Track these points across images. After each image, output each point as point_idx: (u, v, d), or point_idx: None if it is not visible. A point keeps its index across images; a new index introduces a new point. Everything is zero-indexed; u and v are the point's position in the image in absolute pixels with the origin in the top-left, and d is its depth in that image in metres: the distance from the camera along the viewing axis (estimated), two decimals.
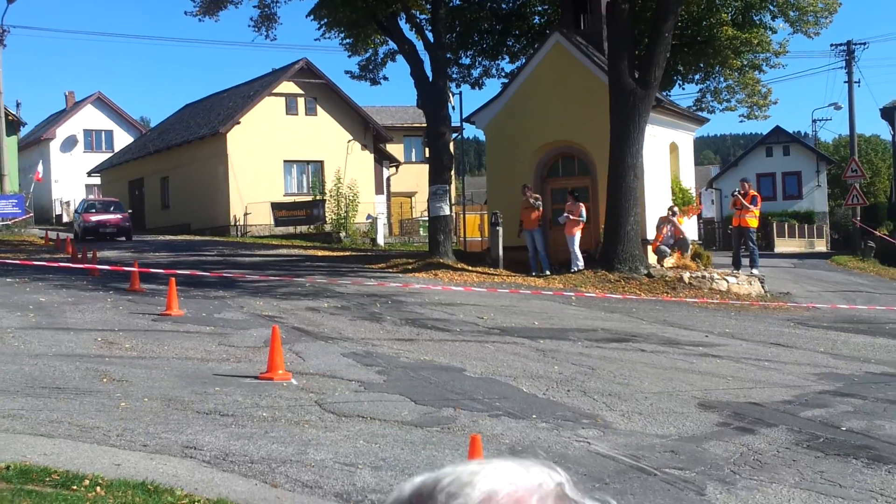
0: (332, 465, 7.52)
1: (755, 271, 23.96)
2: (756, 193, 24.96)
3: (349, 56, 30.45)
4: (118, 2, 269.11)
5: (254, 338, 13.33)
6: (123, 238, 37.23)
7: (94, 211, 39.34)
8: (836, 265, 36.38)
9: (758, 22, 31.34)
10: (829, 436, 8.95)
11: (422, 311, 16.72)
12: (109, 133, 64.28)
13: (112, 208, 39.84)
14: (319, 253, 31.36)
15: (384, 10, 26.34)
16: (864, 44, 47.38)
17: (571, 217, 23.49)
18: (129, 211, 41.20)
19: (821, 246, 60.52)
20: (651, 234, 24.58)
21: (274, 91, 45.37)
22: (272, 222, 42.82)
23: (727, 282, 22.33)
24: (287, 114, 45.75)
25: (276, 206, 42.72)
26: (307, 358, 12.02)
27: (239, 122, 44.02)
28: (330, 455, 7.76)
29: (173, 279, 15.60)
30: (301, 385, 10.44)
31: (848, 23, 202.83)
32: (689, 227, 28.02)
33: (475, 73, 34.17)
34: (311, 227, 41.69)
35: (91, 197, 49.69)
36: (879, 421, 9.63)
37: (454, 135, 35.24)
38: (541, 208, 24.10)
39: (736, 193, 24.77)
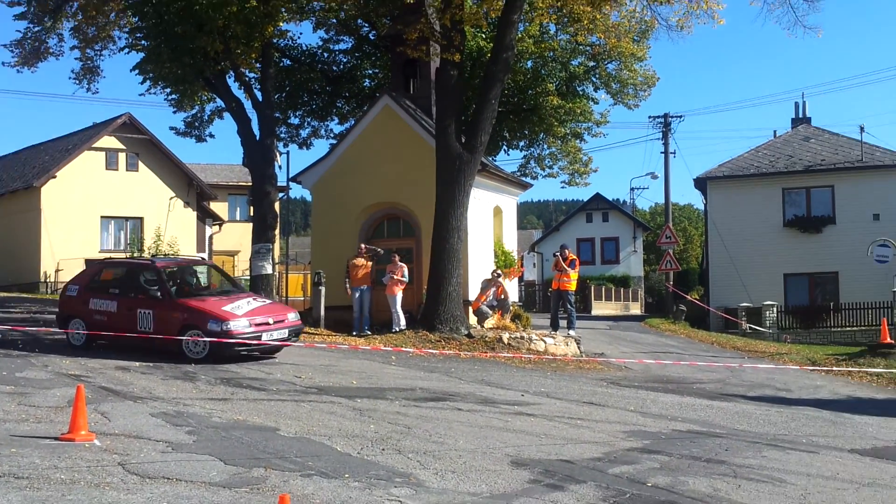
0: None
1: (572, 332, 24.53)
2: (575, 258, 25.63)
3: (175, 112, 30.03)
4: None
5: (57, 397, 12.81)
6: None
7: None
8: (650, 327, 37.68)
9: (581, 92, 32.49)
10: (636, 491, 9.17)
11: (238, 371, 16.40)
12: None
13: None
14: None
15: (212, 67, 26.05)
16: (681, 117, 49.82)
17: (395, 277, 23.58)
18: None
19: (636, 309, 62.62)
20: (473, 295, 24.89)
21: (94, 145, 44.09)
22: None
23: (545, 342, 22.77)
24: (107, 169, 44.50)
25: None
26: (113, 418, 11.60)
27: (55, 176, 42.51)
28: None
29: None
30: (104, 446, 10.05)
31: (666, 96, 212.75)
32: (511, 289, 28.53)
33: (304, 133, 34.21)
34: None
35: None
36: (683, 477, 9.94)
37: (280, 194, 34.98)
38: (377, 257, 24.08)
39: (556, 255, 25.36)
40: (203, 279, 21.13)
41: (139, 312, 18.05)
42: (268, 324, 18.09)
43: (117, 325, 18.13)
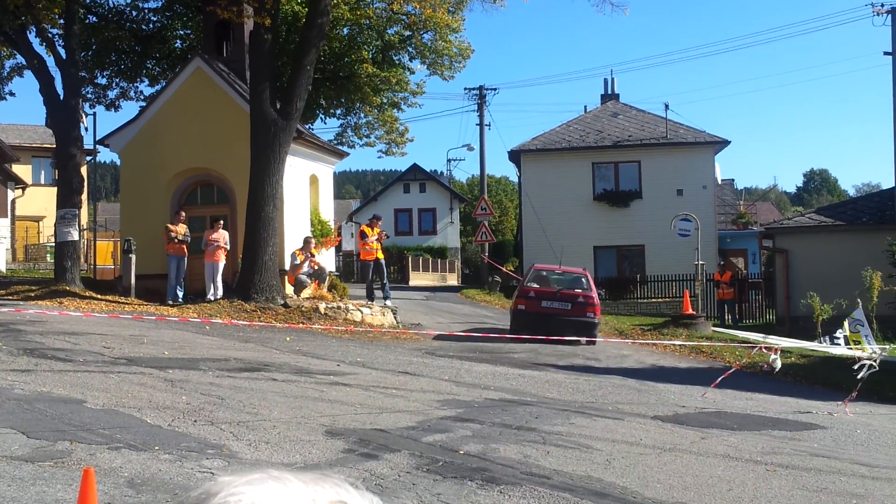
0: None
1: (388, 303, 24.64)
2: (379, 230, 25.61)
3: None
4: None
5: None
6: None
7: None
8: (465, 298, 38.25)
9: (397, 62, 32.55)
10: (448, 459, 9.26)
11: (42, 341, 15.71)
12: None
13: None
14: None
15: (11, 21, 24.70)
16: (495, 89, 50.42)
17: (219, 244, 23.18)
18: None
19: (452, 280, 63.35)
20: (290, 260, 24.64)
21: None
22: None
23: (361, 312, 22.79)
24: None
25: None
26: None
27: None
28: None
29: None
30: None
31: (481, 69, 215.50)
32: (328, 259, 28.39)
33: (112, 94, 32.98)
34: None
35: None
36: (494, 444, 10.11)
37: (87, 157, 33.69)
38: (188, 238, 23.58)
39: (369, 224, 25.43)
40: None
41: None
42: None
43: None
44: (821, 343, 20.11)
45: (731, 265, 44.55)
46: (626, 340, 23.84)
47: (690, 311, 26.99)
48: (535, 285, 23.90)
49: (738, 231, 50.83)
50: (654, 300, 40.41)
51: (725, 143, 44.11)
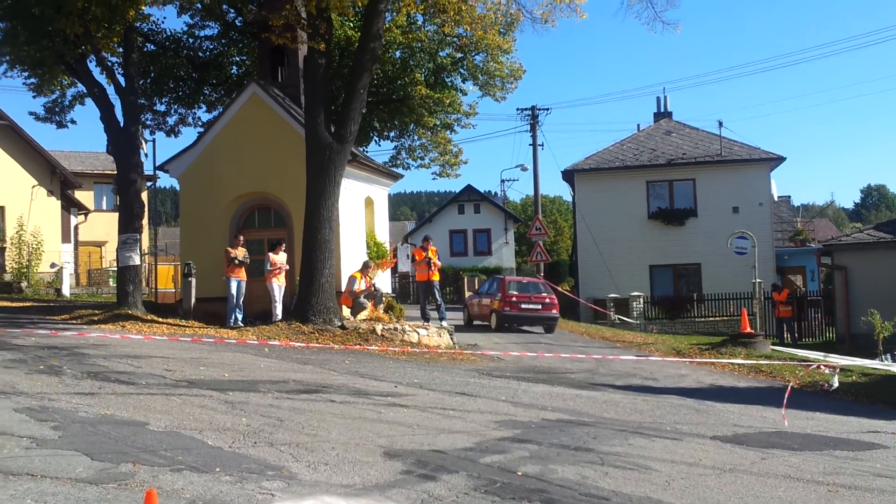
0: None
1: (444, 324, 24.71)
2: (434, 249, 25.95)
3: (34, 97, 29.05)
4: None
5: None
6: None
7: None
8: None
9: (449, 84, 32.75)
10: (506, 480, 9.28)
11: (105, 364, 15.98)
12: None
13: None
14: None
15: (72, 51, 25.26)
16: (548, 109, 50.46)
17: (283, 266, 23.55)
18: None
19: None
20: (347, 283, 24.81)
21: None
22: None
23: (418, 334, 22.86)
24: None
25: None
26: None
27: None
28: None
29: None
30: None
31: (533, 89, 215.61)
32: (384, 281, 28.56)
33: (171, 120, 33.59)
34: None
35: None
36: (552, 465, 10.11)
37: (148, 183, 34.26)
38: (247, 261, 23.85)
39: (419, 245, 25.72)
40: None
41: None
42: None
43: None
44: (882, 360, 19.86)
45: (789, 283, 44.02)
46: (684, 360, 23.67)
47: (749, 329, 26.71)
48: (515, 293, 30.75)
49: (796, 248, 50.26)
50: (711, 319, 40.08)
51: (781, 159, 43.74)
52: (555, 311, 31.09)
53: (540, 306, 30.69)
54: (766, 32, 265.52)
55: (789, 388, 16.91)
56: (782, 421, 14.61)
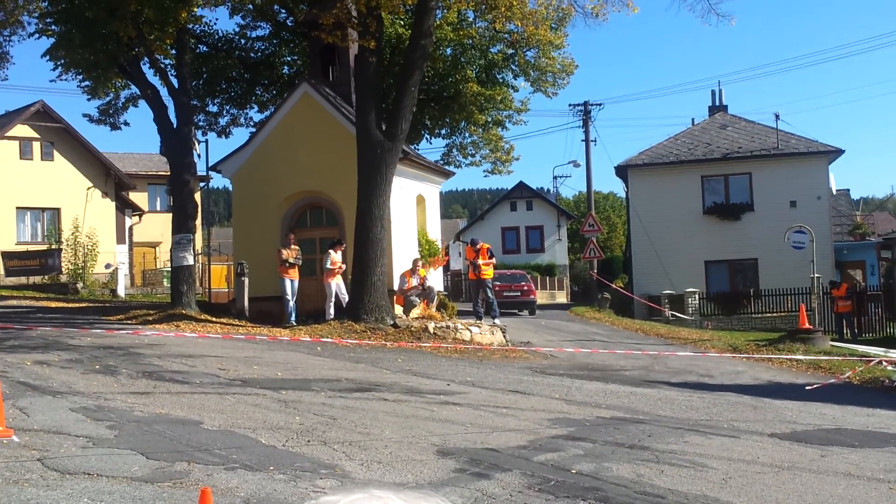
0: None
1: (497, 321, 24.61)
2: (488, 246, 25.90)
3: (89, 99, 29.38)
4: None
5: None
6: None
7: None
8: (575, 315, 37.96)
9: (501, 80, 32.59)
10: (560, 479, 9.17)
11: (160, 364, 16.10)
12: None
13: None
14: (53, 304, 29.84)
15: (126, 53, 25.52)
16: (600, 104, 50.28)
17: (340, 265, 23.61)
18: None
19: (561, 297, 63.04)
20: (398, 284, 24.82)
21: (7, 134, 43.01)
22: (2, 272, 40.42)
23: (471, 332, 22.78)
24: (21, 158, 43.48)
25: (6, 256, 40.40)
26: (32, 414, 11.27)
27: None
28: None
29: None
30: (23, 442, 9.76)
31: (585, 84, 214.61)
32: (436, 279, 28.52)
33: (223, 121, 33.80)
34: (46, 277, 39.58)
35: None
36: (607, 463, 9.98)
37: (201, 184, 34.53)
38: (299, 262, 23.90)
39: (469, 244, 25.76)
40: None
41: None
42: None
43: None
44: None
45: (849, 277, 43.34)
46: (741, 356, 23.35)
47: (807, 325, 26.28)
48: (498, 283, 33.67)
49: (856, 242, 49.46)
50: (768, 315, 39.54)
51: (839, 152, 43.07)
52: (533, 297, 39.94)
53: (520, 293, 38.83)
54: (823, 23, 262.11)
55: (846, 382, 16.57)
56: (842, 418, 14.33)
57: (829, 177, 44.01)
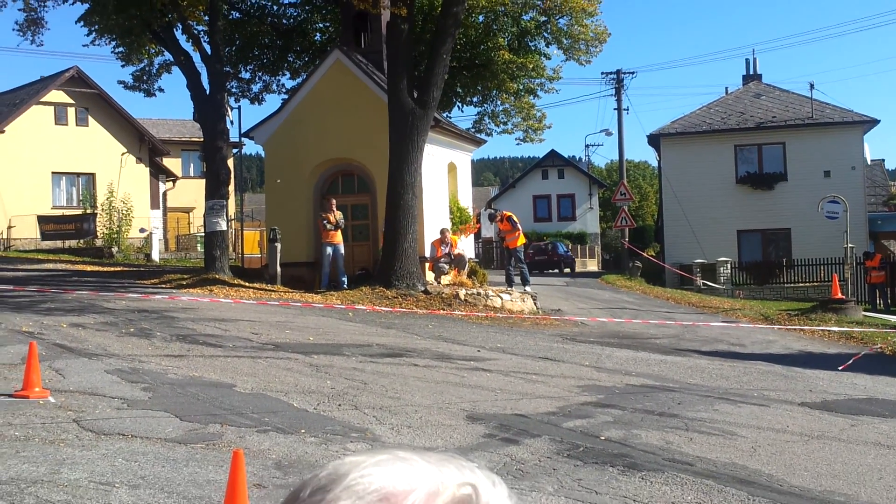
0: (86, 484, 7.17)
1: (528, 289, 24.64)
2: (510, 214, 25.97)
3: (123, 65, 29.46)
4: None
5: (10, 355, 12.63)
6: None
7: None
8: (606, 284, 37.90)
9: (533, 48, 32.37)
10: (589, 445, 9.24)
11: (194, 327, 16.29)
12: None
13: None
14: (89, 268, 30.17)
15: (159, 19, 25.59)
16: (633, 73, 49.81)
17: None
18: None
19: (593, 265, 62.92)
20: (429, 251, 24.87)
21: (42, 100, 43.29)
22: (39, 236, 40.86)
23: (501, 299, 22.83)
24: (56, 124, 43.76)
25: (43, 220, 40.81)
26: (68, 375, 11.47)
27: (3, 132, 41.75)
28: (85, 474, 7.40)
29: None
30: (59, 403, 9.95)
31: (618, 52, 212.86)
32: (467, 246, 28.57)
33: (255, 88, 33.85)
34: (82, 241, 39.97)
35: None
36: (636, 430, 10.03)
37: (234, 150, 34.65)
38: (342, 224, 23.97)
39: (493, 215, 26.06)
40: None
41: None
42: None
43: None
44: None
45: (883, 248, 42.95)
46: (773, 326, 23.28)
47: (840, 295, 26.15)
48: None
49: (890, 213, 48.98)
50: (801, 285, 39.30)
51: (875, 122, 42.60)
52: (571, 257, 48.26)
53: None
54: None
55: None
56: (873, 388, 14.29)
57: (863, 147, 43.56)
